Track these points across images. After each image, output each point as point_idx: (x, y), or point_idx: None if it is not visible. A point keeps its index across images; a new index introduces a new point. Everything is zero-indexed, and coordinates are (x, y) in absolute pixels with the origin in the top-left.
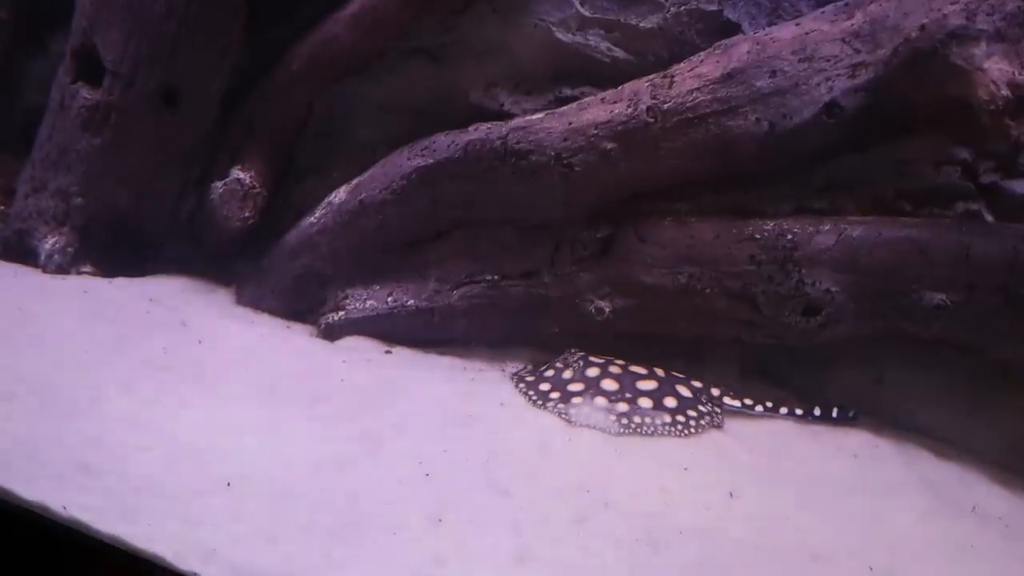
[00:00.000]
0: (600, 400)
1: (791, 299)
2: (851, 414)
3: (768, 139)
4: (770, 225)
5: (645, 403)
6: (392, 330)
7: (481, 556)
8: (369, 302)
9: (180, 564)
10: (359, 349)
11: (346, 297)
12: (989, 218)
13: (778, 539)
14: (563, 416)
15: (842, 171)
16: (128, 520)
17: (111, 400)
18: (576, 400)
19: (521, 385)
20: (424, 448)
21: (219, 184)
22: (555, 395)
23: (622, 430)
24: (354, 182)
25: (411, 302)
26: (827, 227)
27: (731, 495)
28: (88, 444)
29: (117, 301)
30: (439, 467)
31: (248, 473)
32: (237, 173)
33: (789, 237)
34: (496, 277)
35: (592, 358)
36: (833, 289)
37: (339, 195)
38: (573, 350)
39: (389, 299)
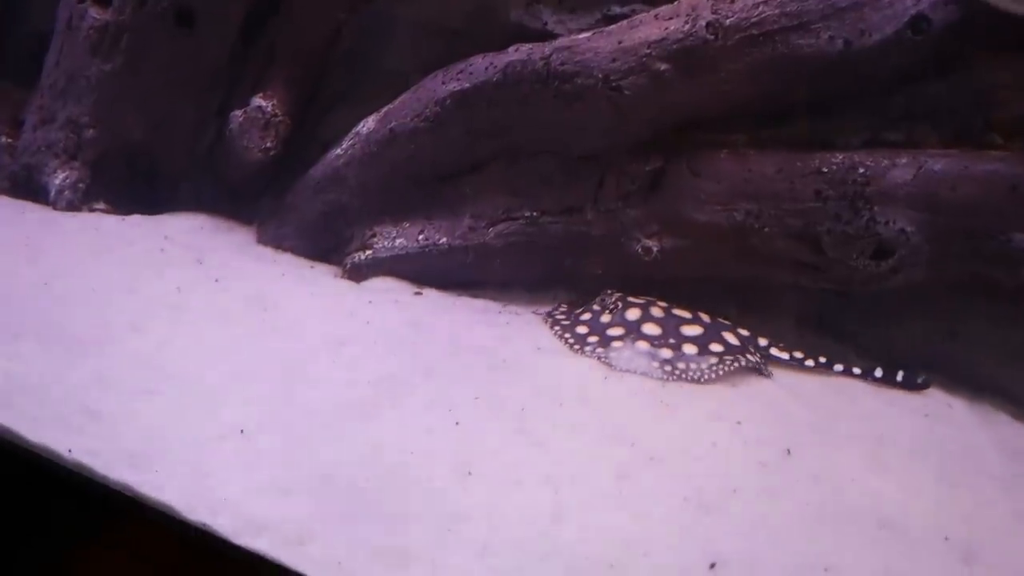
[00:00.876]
0: (642, 344)
1: (860, 239)
2: (920, 380)
3: (842, 60)
4: (839, 158)
5: (690, 349)
6: (423, 270)
7: (513, 514)
8: (398, 240)
9: (189, 514)
10: (387, 290)
11: (374, 235)
12: None
13: (841, 502)
14: (603, 360)
15: (924, 98)
16: (136, 466)
17: (120, 340)
18: (616, 344)
19: (556, 328)
20: (454, 395)
21: (239, 112)
22: (593, 339)
23: (666, 376)
24: (384, 110)
25: (443, 240)
26: (904, 160)
27: (788, 452)
28: (95, 386)
29: (130, 239)
30: (469, 416)
31: (264, 420)
32: (258, 101)
33: (861, 171)
34: (535, 213)
35: (631, 299)
36: (908, 229)
37: (367, 124)
38: (610, 291)
39: (420, 237)
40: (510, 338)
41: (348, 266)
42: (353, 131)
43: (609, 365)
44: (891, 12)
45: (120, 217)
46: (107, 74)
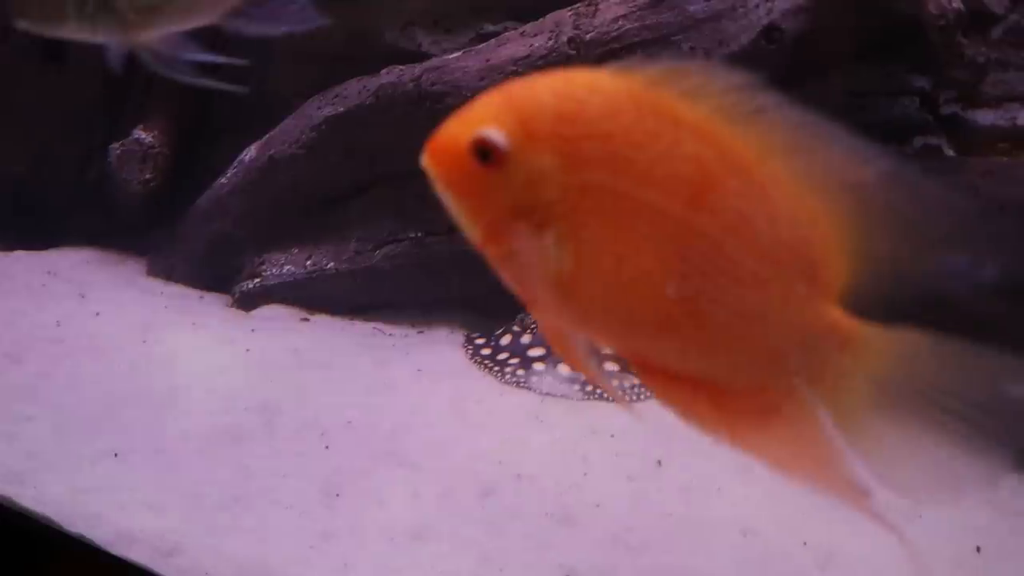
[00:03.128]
0: (563, 369)
1: None
2: None
3: None
4: None
5: (611, 367)
6: (312, 296)
7: (375, 532)
8: (287, 267)
9: (68, 526)
10: (274, 318)
11: (263, 263)
12: (950, 152)
13: (706, 511)
14: (523, 386)
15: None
16: (16, 483)
17: None
18: (538, 367)
19: (476, 357)
20: (327, 420)
21: (116, 146)
22: (514, 361)
23: (587, 397)
24: (266, 137)
25: (330, 265)
26: None
27: (659, 463)
28: None
29: (11, 274)
30: (342, 439)
31: (137, 444)
32: (138, 133)
33: None
34: (420, 234)
35: None
36: None
37: (250, 152)
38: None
39: (308, 263)
40: (392, 361)
41: (237, 295)
42: (237, 159)
43: (530, 390)
44: (746, 23)
45: (4, 253)
46: None
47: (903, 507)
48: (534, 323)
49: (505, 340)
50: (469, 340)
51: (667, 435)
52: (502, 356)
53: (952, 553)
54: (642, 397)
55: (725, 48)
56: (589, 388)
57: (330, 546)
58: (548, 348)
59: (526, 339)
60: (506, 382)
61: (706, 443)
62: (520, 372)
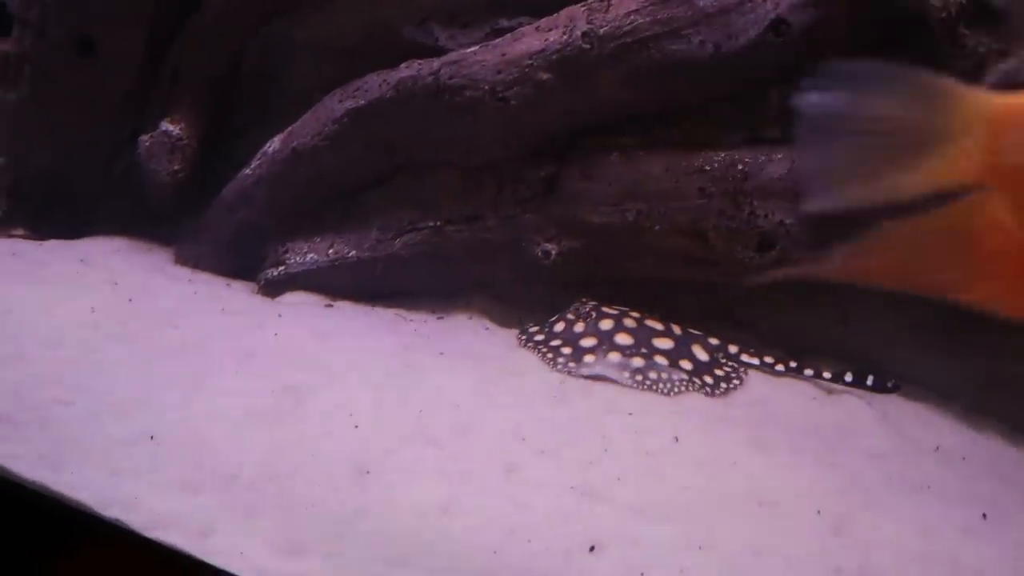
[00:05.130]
0: (614, 356)
1: (743, 233)
2: (891, 383)
3: (714, 63)
4: (721, 155)
5: (661, 360)
6: (335, 283)
7: (405, 508)
8: (310, 255)
9: (103, 511)
10: (299, 304)
11: (286, 251)
12: None
13: (723, 484)
14: (574, 375)
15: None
16: (51, 468)
17: (34, 357)
18: (588, 358)
19: (530, 344)
20: (356, 400)
21: (146, 138)
22: (567, 350)
23: (635, 386)
24: (288, 130)
25: (352, 253)
26: (780, 156)
27: (676, 440)
28: (9, 397)
29: (46, 263)
30: (369, 419)
31: (172, 427)
32: (165, 125)
33: (740, 167)
34: (439, 223)
35: (605, 309)
36: (787, 221)
37: (273, 144)
38: (584, 300)
39: (330, 251)
40: (415, 345)
41: (262, 282)
42: (261, 151)
43: (582, 377)
44: (754, 16)
45: (38, 242)
46: (12, 104)
47: (913, 480)
48: (587, 313)
49: (559, 327)
50: (524, 331)
51: (682, 413)
52: (555, 343)
53: (961, 520)
54: (683, 390)
55: (735, 41)
56: (640, 377)
57: (361, 522)
58: (600, 337)
59: (579, 327)
60: (557, 369)
61: (719, 421)
62: (572, 364)
